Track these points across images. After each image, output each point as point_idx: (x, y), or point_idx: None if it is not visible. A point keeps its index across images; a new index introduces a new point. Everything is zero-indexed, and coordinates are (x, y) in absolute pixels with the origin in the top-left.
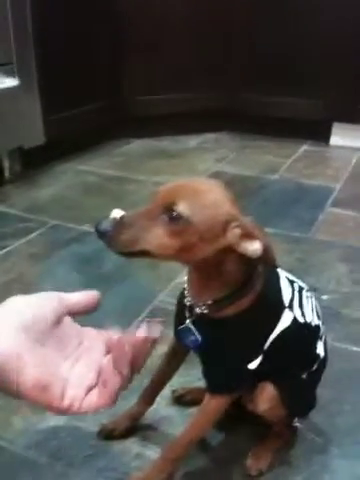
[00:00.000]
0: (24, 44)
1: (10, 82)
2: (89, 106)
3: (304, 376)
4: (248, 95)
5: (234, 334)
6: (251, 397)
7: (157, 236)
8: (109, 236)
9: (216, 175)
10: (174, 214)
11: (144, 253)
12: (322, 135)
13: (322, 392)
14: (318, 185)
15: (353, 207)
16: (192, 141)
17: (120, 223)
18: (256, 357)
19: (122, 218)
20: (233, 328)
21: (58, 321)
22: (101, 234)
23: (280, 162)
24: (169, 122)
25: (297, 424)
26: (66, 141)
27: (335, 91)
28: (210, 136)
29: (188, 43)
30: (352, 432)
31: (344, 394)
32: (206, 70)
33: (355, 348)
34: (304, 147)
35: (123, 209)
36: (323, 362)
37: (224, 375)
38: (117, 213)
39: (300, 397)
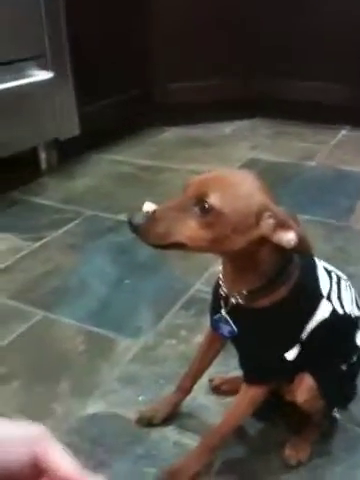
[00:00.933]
0: (57, 37)
1: (44, 75)
2: (122, 96)
3: (343, 367)
4: (281, 80)
5: (270, 324)
6: (289, 388)
7: (190, 228)
8: (142, 229)
9: (251, 163)
10: (206, 206)
11: (177, 245)
12: None
13: None
14: (357, 172)
15: None
16: (226, 129)
17: (152, 216)
18: (292, 347)
19: (154, 211)
20: (269, 318)
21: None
22: (134, 228)
23: (317, 148)
24: (202, 110)
25: (336, 415)
26: (100, 132)
27: None
28: (244, 123)
29: (218, 31)
30: None
31: None
32: (237, 57)
33: None
34: (342, 132)
35: (157, 198)
36: None
37: (260, 365)
38: (149, 206)
39: (339, 388)
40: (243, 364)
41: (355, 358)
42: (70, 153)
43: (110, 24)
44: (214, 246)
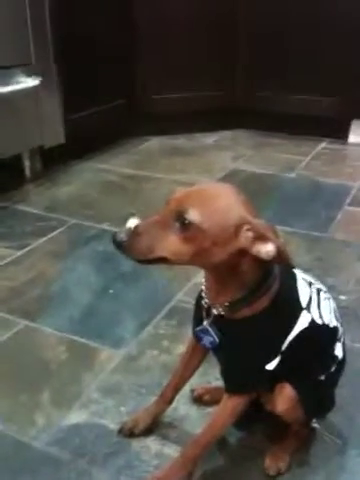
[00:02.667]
0: (43, 44)
1: (30, 82)
2: (107, 105)
3: (322, 377)
4: (264, 92)
5: (251, 335)
6: (269, 397)
7: (171, 243)
8: (125, 246)
9: (233, 173)
10: (186, 221)
11: (161, 260)
12: (340, 133)
13: (340, 392)
14: (336, 184)
15: None
16: (209, 139)
17: (135, 233)
18: (274, 358)
19: (137, 227)
20: (250, 329)
21: None
22: (118, 245)
23: (298, 160)
24: (185, 120)
25: (315, 425)
26: (85, 140)
27: (354, 88)
28: (227, 134)
29: (203, 43)
30: None
31: None
32: (221, 68)
33: None
34: (322, 145)
35: (141, 207)
36: (341, 363)
37: (242, 375)
38: (132, 223)
39: (318, 398)
40: (224, 374)
41: (334, 368)
42: (54, 161)
43: (96, 33)
44: (196, 259)
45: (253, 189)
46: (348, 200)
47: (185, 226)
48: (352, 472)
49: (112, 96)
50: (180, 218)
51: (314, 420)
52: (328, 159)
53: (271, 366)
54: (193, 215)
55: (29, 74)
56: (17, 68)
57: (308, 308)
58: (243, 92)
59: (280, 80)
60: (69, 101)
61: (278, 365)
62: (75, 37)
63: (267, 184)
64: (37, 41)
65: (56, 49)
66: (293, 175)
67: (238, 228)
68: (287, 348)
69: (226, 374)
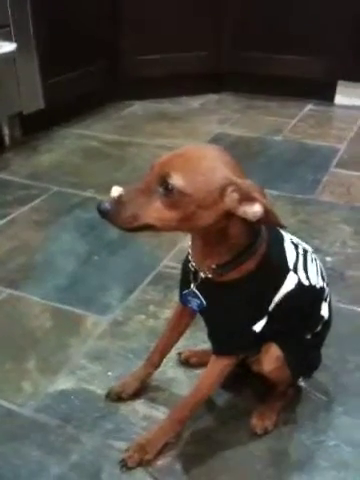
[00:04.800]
0: (20, 6)
1: (7, 47)
2: (88, 68)
3: (308, 337)
4: (249, 53)
5: (238, 297)
6: (256, 358)
7: (156, 210)
8: (110, 215)
9: (219, 137)
10: (169, 186)
11: (147, 227)
12: (327, 94)
13: (326, 352)
14: (322, 146)
15: (358, 168)
16: (194, 102)
17: (119, 201)
18: (260, 319)
19: (121, 196)
20: (237, 291)
21: None
22: (103, 214)
23: (284, 123)
24: (170, 84)
25: (302, 384)
26: (66, 106)
27: (340, 48)
28: (212, 97)
29: (188, 3)
30: (356, 391)
31: (348, 354)
32: (206, 28)
33: (359, 309)
34: (308, 107)
35: (124, 174)
36: (327, 323)
37: (229, 337)
38: (116, 191)
39: (304, 358)
40: (212, 336)
41: (320, 328)
42: (35, 128)
43: None
44: (182, 224)
45: (239, 153)
46: (334, 162)
47: (169, 191)
48: (338, 428)
49: (94, 59)
50: (163, 183)
51: (301, 379)
52: (314, 121)
53: (258, 327)
54: (176, 179)
55: (6, 38)
56: None
57: (295, 269)
58: (228, 54)
59: (265, 42)
60: (48, 65)
61: (265, 326)
62: None
63: (254, 148)
64: (15, 4)
65: (34, 11)
66: (279, 138)
67: (223, 190)
68: (274, 309)
69: (213, 336)
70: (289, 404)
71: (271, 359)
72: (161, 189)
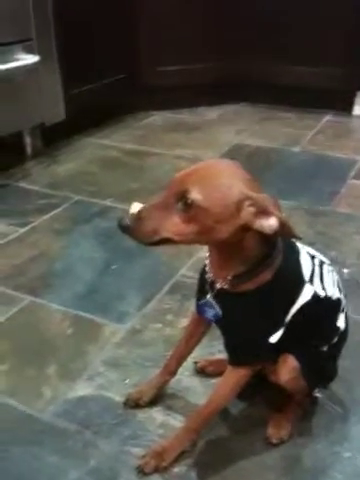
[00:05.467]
0: (43, 20)
1: (30, 59)
2: (108, 80)
3: (325, 348)
4: (267, 65)
5: (254, 308)
6: (273, 368)
7: (174, 224)
8: (131, 230)
9: (237, 148)
10: (188, 201)
11: (166, 241)
12: (345, 106)
13: (342, 363)
14: (340, 157)
15: None
16: (213, 113)
17: (139, 217)
18: (277, 330)
19: (140, 212)
20: (253, 302)
21: None
22: (124, 229)
23: (302, 134)
24: (188, 94)
25: (317, 394)
26: (86, 116)
27: (358, 59)
28: (230, 108)
29: (206, 14)
30: None
31: None
32: (225, 40)
33: None
34: (326, 118)
35: (143, 183)
36: (344, 335)
37: (245, 348)
38: (136, 207)
39: (320, 369)
40: (228, 347)
41: (336, 339)
42: (55, 137)
43: (97, 7)
44: (200, 238)
45: (257, 164)
46: (352, 173)
47: (187, 206)
48: (353, 439)
49: (113, 71)
50: (182, 198)
51: (316, 390)
52: (332, 132)
53: (274, 339)
54: (195, 194)
55: (30, 51)
56: (17, 45)
57: (311, 281)
58: (246, 65)
59: (284, 52)
60: (69, 76)
61: (281, 337)
62: (76, 12)
63: (271, 158)
64: (37, 17)
65: (57, 25)
66: (297, 149)
67: (240, 204)
68: (290, 321)
69: (229, 346)
70: (304, 414)
71: (287, 370)
72: (180, 204)
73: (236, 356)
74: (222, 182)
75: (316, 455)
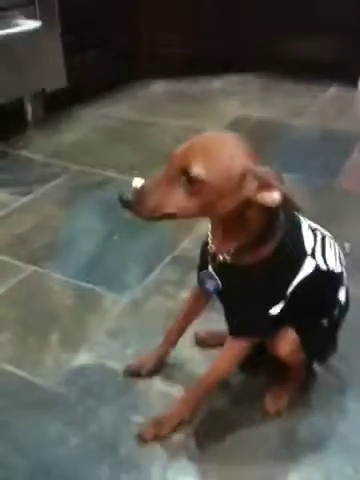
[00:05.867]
0: None
1: (31, 24)
2: (110, 47)
3: (325, 322)
4: (273, 35)
5: (255, 280)
6: (273, 341)
7: (178, 200)
8: (133, 206)
9: (240, 119)
10: (191, 176)
11: (169, 216)
12: (351, 78)
13: (342, 337)
14: (344, 130)
15: None
16: (215, 83)
17: (141, 192)
18: (278, 303)
19: (143, 187)
20: (254, 274)
21: None
22: (125, 204)
23: (306, 106)
24: (191, 63)
25: (316, 368)
26: (87, 85)
27: None
28: (234, 78)
29: None
30: None
31: None
32: (229, 10)
33: None
34: (331, 90)
35: (144, 153)
36: (344, 308)
37: (245, 320)
38: (138, 182)
39: (320, 342)
40: (229, 319)
41: (336, 313)
42: (56, 106)
43: None
44: (203, 212)
45: (261, 136)
46: (356, 147)
47: (190, 181)
48: (349, 412)
49: (115, 38)
50: (185, 173)
51: (315, 363)
52: (337, 105)
53: (275, 311)
54: (198, 169)
55: (31, 16)
56: (18, 9)
57: (313, 254)
58: (250, 35)
59: (289, 23)
60: (71, 44)
61: (282, 310)
62: None
63: (275, 130)
64: None
65: None
66: (302, 121)
67: (242, 178)
68: (291, 293)
69: (230, 318)
70: (303, 387)
71: (287, 342)
72: (182, 180)
73: (236, 328)
74: (225, 156)
75: (313, 427)
